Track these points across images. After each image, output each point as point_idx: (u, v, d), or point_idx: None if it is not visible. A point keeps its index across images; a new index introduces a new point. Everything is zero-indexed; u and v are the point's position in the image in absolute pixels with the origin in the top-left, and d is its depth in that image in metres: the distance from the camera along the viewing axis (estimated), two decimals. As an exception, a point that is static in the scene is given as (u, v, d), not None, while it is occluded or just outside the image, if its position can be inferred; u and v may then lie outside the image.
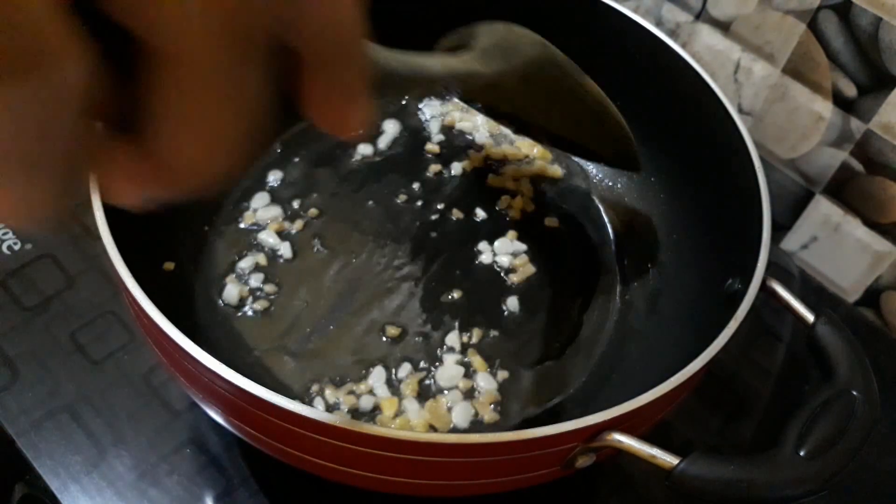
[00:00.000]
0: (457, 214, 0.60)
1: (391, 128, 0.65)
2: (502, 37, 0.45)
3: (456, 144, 0.65)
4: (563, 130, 0.52)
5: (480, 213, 0.61)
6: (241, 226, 0.57)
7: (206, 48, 0.16)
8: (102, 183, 0.18)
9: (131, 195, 0.18)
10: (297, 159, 0.62)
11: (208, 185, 0.18)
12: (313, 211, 0.59)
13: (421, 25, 0.65)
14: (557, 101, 0.49)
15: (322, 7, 0.19)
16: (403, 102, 0.67)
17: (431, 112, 0.66)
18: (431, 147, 0.64)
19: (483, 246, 0.59)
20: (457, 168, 0.63)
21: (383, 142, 0.64)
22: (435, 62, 0.37)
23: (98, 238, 0.41)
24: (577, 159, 0.65)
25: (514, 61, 0.45)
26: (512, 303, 0.56)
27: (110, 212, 0.42)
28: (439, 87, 0.39)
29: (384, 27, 0.66)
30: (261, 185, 0.60)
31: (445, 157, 0.64)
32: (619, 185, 0.63)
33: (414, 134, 0.65)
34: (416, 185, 0.62)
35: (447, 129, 0.66)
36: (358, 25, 0.21)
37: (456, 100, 0.67)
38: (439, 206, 0.61)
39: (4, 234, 0.59)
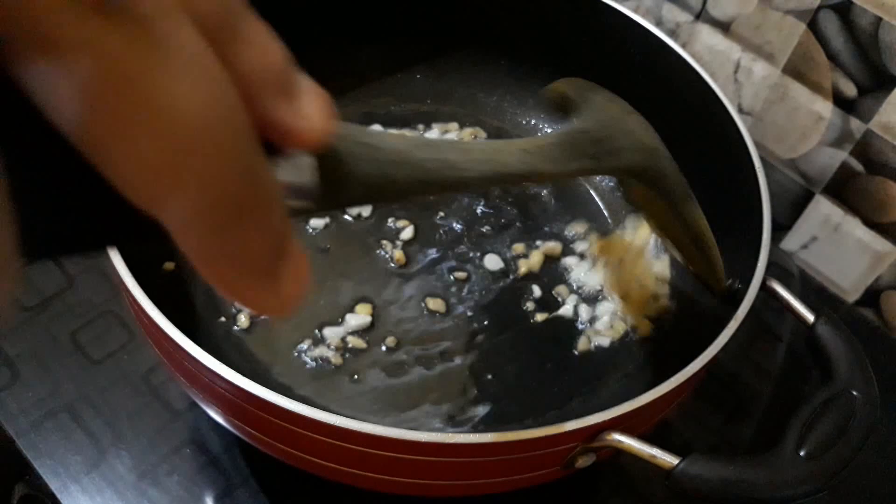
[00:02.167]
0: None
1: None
2: (611, 127, 0.36)
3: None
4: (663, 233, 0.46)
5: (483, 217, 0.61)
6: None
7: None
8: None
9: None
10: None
11: None
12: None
13: (423, 25, 0.66)
14: (654, 209, 0.43)
15: None
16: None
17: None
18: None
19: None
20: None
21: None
22: (515, 155, 0.30)
23: (98, 238, 0.40)
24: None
25: (606, 163, 0.36)
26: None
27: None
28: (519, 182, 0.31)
29: (384, 24, 0.66)
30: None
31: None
32: (620, 186, 0.63)
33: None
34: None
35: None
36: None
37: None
38: (441, 212, 0.61)
39: (4, 234, 0.58)
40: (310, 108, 0.18)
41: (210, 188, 0.15)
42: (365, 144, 0.21)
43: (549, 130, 0.67)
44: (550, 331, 0.55)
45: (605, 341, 0.54)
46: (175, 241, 0.16)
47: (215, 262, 0.17)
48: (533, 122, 0.67)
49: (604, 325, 0.55)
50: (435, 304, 0.55)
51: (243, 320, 0.52)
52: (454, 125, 0.66)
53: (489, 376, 0.52)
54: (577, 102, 0.37)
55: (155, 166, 0.15)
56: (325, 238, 0.57)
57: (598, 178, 0.64)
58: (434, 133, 0.65)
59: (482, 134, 0.66)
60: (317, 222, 0.58)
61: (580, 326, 0.55)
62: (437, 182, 0.24)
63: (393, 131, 0.23)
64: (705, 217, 0.56)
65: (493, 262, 0.58)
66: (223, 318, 0.52)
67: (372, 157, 0.21)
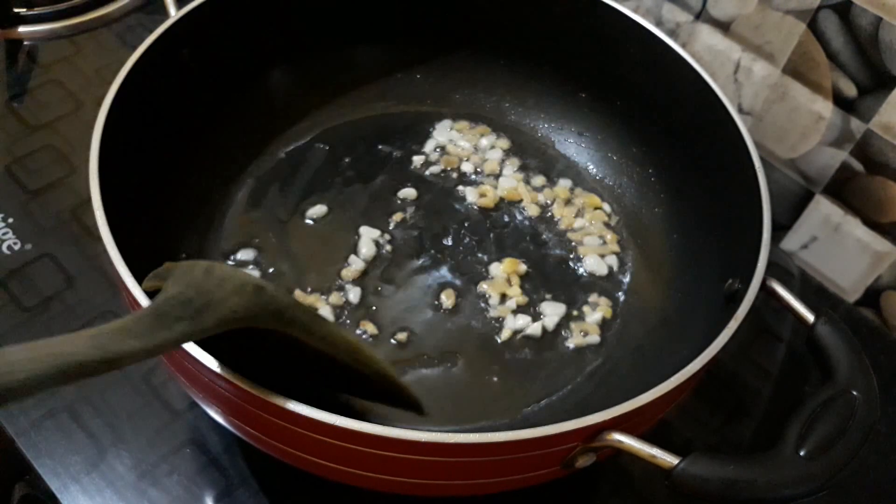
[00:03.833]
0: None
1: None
2: (200, 284, 0.33)
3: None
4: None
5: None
6: (243, 225, 0.57)
7: None
8: None
9: None
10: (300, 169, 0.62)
11: None
12: (313, 211, 0.59)
13: (423, 25, 0.66)
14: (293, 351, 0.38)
15: None
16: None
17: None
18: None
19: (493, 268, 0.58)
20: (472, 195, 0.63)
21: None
22: (82, 340, 0.28)
23: (98, 238, 0.41)
24: (574, 160, 0.65)
25: (207, 319, 0.32)
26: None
27: (110, 212, 0.42)
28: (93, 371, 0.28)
29: (385, 23, 0.66)
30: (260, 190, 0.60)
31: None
32: (620, 185, 0.63)
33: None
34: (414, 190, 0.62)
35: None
36: None
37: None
38: (452, 226, 0.61)
39: (4, 234, 0.59)
40: None
41: None
42: None
43: (549, 128, 0.67)
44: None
45: (595, 339, 0.55)
46: None
47: None
48: (533, 122, 0.67)
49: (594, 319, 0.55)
50: (449, 298, 0.55)
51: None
52: (453, 124, 0.66)
53: (494, 377, 0.52)
54: (162, 277, 0.34)
55: None
56: (325, 228, 0.58)
57: (598, 178, 0.64)
58: (433, 131, 0.65)
59: (483, 132, 0.66)
60: (315, 210, 0.58)
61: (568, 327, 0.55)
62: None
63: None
64: (701, 214, 0.56)
65: (496, 268, 0.58)
66: (223, 318, 0.52)
67: None
